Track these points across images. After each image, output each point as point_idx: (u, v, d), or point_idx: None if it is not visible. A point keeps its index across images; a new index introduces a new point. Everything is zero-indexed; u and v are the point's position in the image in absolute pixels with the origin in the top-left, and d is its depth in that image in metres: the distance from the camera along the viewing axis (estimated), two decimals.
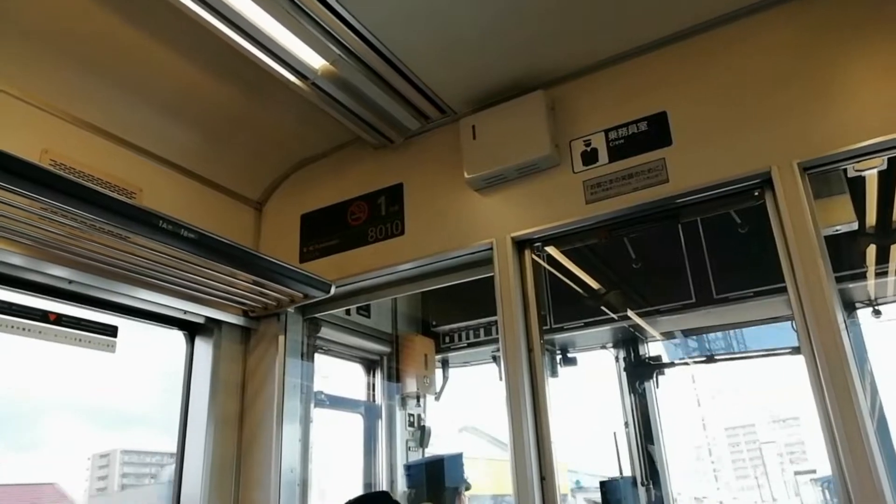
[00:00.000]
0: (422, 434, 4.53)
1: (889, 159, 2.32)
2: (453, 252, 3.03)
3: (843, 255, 3.46)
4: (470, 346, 4.82)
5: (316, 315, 3.65)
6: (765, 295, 3.74)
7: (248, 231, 3.67)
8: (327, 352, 4.02)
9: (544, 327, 2.84)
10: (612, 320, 4.44)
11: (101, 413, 3.27)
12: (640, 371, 4.79)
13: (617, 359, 4.89)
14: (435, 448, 4.55)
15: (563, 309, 4.38)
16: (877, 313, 3.83)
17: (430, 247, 3.09)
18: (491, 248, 2.91)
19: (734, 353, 4.60)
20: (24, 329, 2.58)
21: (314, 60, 2.67)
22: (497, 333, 2.92)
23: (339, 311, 3.91)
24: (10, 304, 2.55)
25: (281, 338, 3.40)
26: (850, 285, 3.73)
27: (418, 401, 4.58)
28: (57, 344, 2.70)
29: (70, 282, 2.66)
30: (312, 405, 3.64)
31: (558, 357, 4.79)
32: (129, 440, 3.50)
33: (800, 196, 2.29)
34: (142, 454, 3.50)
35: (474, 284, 3.14)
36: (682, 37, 2.72)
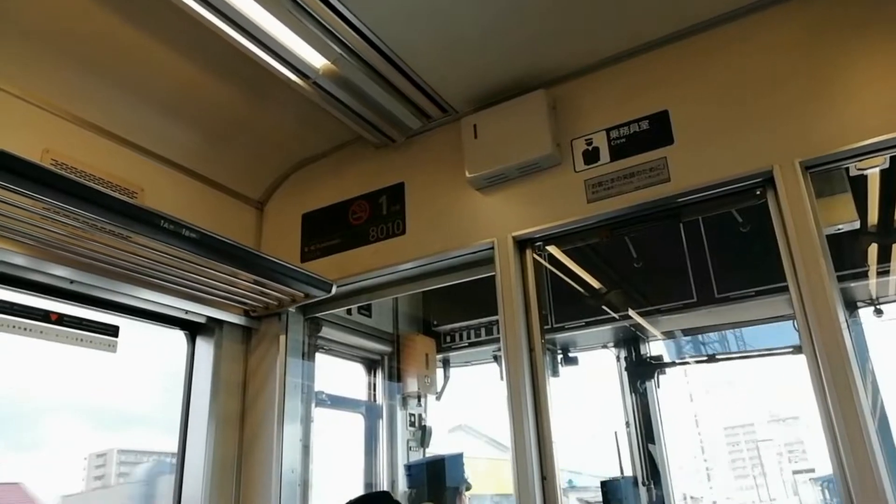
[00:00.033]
0: (423, 434, 4.53)
1: (891, 158, 2.32)
2: (454, 251, 3.03)
3: (845, 254, 3.46)
4: (471, 345, 4.81)
5: (317, 315, 3.65)
6: (766, 294, 3.74)
7: (250, 231, 3.67)
8: (328, 351, 4.02)
9: (545, 327, 2.84)
10: (613, 320, 4.44)
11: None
12: (641, 370, 4.78)
13: (618, 358, 4.89)
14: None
15: (564, 308, 4.38)
16: (878, 312, 3.83)
17: (432, 246, 3.08)
18: (492, 248, 2.90)
19: (735, 352, 4.60)
20: (25, 329, 2.58)
21: (315, 59, 2.67)
22: (498, 333, 2.92)
23: (341, 311, 3.91)
24: (12, 304, 2.55)
25: (282, 337, 3.40)
26: (852, 284, 3.73)
27: (419, 400, 4.58)
28: (58, 344, 2.71)
29: (71, 282, 2.66)
30: (313, 405, 3.64)
31: (559, 356, 4.79)
32: (127, 440, 3.47)
33: (801, 195, 2.28)
34: (139, 454, 3.49)
35: (475, 284, 3.14)
36: (684, 35, 2.72)
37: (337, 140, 3.53)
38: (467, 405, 5.12)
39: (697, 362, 4.74)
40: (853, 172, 2.45)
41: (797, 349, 2.32)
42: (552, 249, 3.02)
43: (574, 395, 4.71)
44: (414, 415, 4.52)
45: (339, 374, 4.23)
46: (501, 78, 2.97)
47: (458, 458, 4.18)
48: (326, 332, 3.83)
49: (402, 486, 4.21)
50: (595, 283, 4.20)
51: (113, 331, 2.88)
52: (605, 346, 4.93)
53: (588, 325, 4.45)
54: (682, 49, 2.73)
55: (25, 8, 2.46)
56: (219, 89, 3.06)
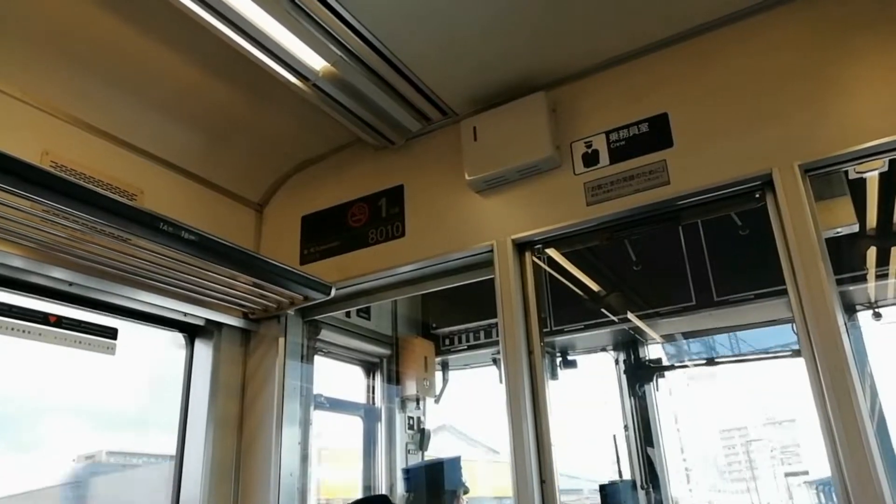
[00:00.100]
0: (421, 437, 4.52)
1: (890, 161, 2.32)
2: (454, 254, 3.03)
3: (844, 258, 3.47)
4: (470, 348, 4.82)
5: (316, 317, 3.65)
6: (765, 297, 3.74)
7: (249, 233, 3.67)
8: (327, 354, 4.02)
9: (544, 330, 2.84)
10: (612, 323, 4.44)
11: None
12: (639, 374, 4.79)
13: (617, 361, 4.89)
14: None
15: (563, 311, 4.38)
16: (877, 316, 3.84)
17: (431, 249, 3.08)
18: (491, 251, 2.90)
19: (734, 355, 4.60)
20: (24, 331, 2.58)
21: (315, 62, 2.67)
22: (497, 336, 2.92)
23: (340, 314, 3.92)
24: (11, 307, 2.55)
25: (281, 340, 3.39)
26: (851, 288, 3.74)
27: (418, 403, 4.58)
28: (57, 346, 2.70)
29: (70, 284, 2.66)
30: (312, 408, 3.64)
31: (558, 360, 4.79)
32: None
33: (801, 198, 2.28)
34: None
35: (474, 287, 3.14)
36: (683, 38, 2.72)
37: (336, 142, 3.53)
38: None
39: (696, 365, 4.74)
40: (852, 175, 2.46)
41: (796, 352, 2.31)
42: (551, 252, 3.02)
43: (573, 399, 4.71)
44: (412, 418, 4.52)
45: (337, 376, 4.23)
46: (501, 80, 2.97)
47: (455, 462, 4.18)
48: (325, 334, 3.83)
49: (400, 489, 4.21)
50: (594, 286, 4.20)
51: (112, 333, 2.87)
52: (603, 350, 4.94)
53: (587, 328, 4.46)
54: (681, 52, 2.73)
55: (26, 10, 2.46)
56: (218, 91, 3.06)
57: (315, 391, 3.73)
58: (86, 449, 3.22)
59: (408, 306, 4.79)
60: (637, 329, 4.58)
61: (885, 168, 2.36)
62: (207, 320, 3.27)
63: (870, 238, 3.41)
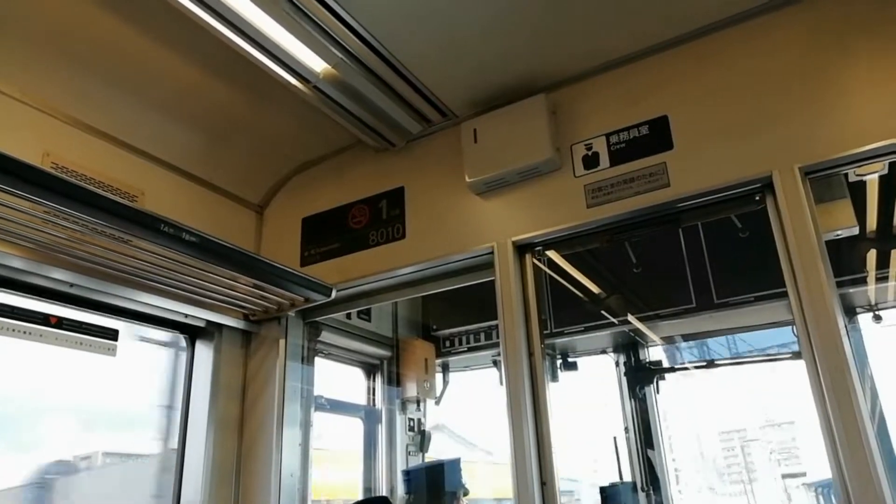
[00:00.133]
0: (422, 438, 4.52)
1: (890, 164, 2.32)
2: (454, 256, 3.03)
3: (844, 260, 3.47)
4: (470, 350, 4.81)
5: (316, 319, 3.65)
6: (765, 300, 3.74)
7: (250, 234, 3.68)
8: (328, 356, 4.02)
9: (545, 332, 2.84)
10: (612, 325, 4.44)
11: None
12: (640, 376, 4.78)
13: (617, 363, 4.89)
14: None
15: (563, 313, 4.38)
16: (877, 318, 3.83)
17: (431, 251, 3.09)
18: (492, 253, 2.91)
19: (734, 357, 4.60)
20: (25, 332, 2.58)
21: (316, 63, 2.67)
22: (497, 338, 2.92)
23: (340, 315, 3.92)
24: (12, 308, 2.55)
25: (282, 341, 3.39)
26: (851, 290, 3.74)
27: (418, 405, 4.58)
28: (57, 347, 2.71)
29: (71, 285, 2.66)
30: (313, 409, 3.64)
31: (559, 361, 4.79)
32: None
33: (801, 200, 2.29)
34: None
35: (475, 289, 3.14)
36: (684, 40, 2.72)
37: (337, 144, 3.54)
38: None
39: (696, 367, 4.74)
40: (852, 178, 2.46)
41: (796, 354, 2.32)
42: (552, 254, 3.02)
43: (573, 401, 4.71)
44: (413, 419, 4.52)
45: (338, 378, 4.23)
46: (501, 82, 2.98)
47: (455, 463, 4.18)
48: (326, 336, 3.83)
49: (400, 491, 4.21)
50: (594, 288, 4.20)
51: (112, 334, 2.88)
52: (604, 352, 4.94)
53: (587, 330, 4.46)
54: (681, 54, 2.74)
55: (26, 10, 2.47)
56: (219, 92, 3.07)
57: (316, 393, 3.73)
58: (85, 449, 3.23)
59: (408, 308, 4.79)
60: (637, 331, 4.58)
61: (885, 171, 2.37)
62: (208, 322, 3.27)
63: (870, 241, 3.41)
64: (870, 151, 2.25)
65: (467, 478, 4.20)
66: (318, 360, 3.79)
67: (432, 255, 3.08)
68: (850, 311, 3.85)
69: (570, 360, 4.84)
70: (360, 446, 4.30)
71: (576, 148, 2.85)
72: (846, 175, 2.44)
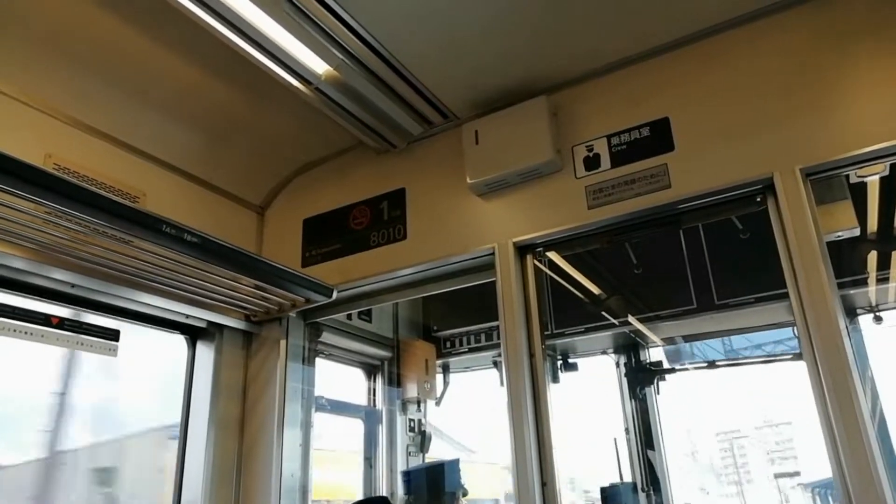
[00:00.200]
0: (422, 439, 4.52)
1: (891, 165, 2.33)
2: (455, 257, 3.03)
3: (845, 262, 3.47)
4: (471, 351, 4.82)
5: (317, 320, 3.65)
6: (766, 301, 3.75)
7: (251, 235, 3.68)
8: (329, 356, 4.03)
9: (545, 332, 2.84)
10: (612, 326, 4.44)
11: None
12: (640, 377, 4.79)
13: (618, 364, 4.89)
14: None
15: (564, 314, 4.38)
16: (878, 319, 3.84)
17: (432, 252, 3.09)
18: (493, 254, 2.91)
19: (734, 358, 4.60)
20: (26, 333, 2.58)
21: (318, 65, 2.68)
22: (498, 338, 2.92)
23: (341, 316, 3.92)
24: (13, 308, 2.55)
25: (282, 342, 3.40)
26: (852, 291, 3.74)
27: (419, 406, 4.58)
28: (58, 347, 2.71)
29: (73, 286, 2.67)
30: (313, 410, 3.64)
31: (559, 362, 4.79)
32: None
33: (802, 202, 2.29)
34: None
35: (476, 290, 3.15)
36: (685, 42, 2.73)
37: (338, 145, 3.54)
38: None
39: (697, 368, 4.74)
40: (853, 179, 2.46)
41: (797, 355, 2.32)
42: (552, 255, 3.03)
43: (574, 401, 4.71)
44: (413, 420, 4.52)
45: (339, 379, 4.23)
46: (502, 84, 2.98)
47: (454, 464, 4.18)
48: (327, 336, 3.83)
49: (400, 492, 4.21)
50: (595, 290, 4.21)
51: (113, 335, 2.88)
52: (604, 352, 4.94)
53: (588, 331, 4.46)
54: (682, 56, 2.74)
55: (28, 12, 2.47)
56: (220, 94, 3.07)
57: (316, 393, 3.73)
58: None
59: (409, 309, 4.79)
60: (638, 332, 4.58)
61: (886, 172, 2.37)
62: (209, 322, 3.27)
63: (871, 242, 3.42)
64: (871, 153, 2.25)
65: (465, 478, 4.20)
66: (318, 361, 3.80)
67: (433, 256, 3.08)
68: (851, 312, 3.85)
69: (570, 360, 4.84)
70: (360, 447, 4.30)
71: (577, 149, 2.86)
72: (847, 176, 2.44)
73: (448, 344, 4.90)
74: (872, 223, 3.26)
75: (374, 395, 4.44)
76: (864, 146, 2.25)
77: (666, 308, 4.25)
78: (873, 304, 3.85)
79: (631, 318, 4.38)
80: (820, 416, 2.13)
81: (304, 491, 3.36)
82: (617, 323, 4.42)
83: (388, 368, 4.50)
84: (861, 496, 1.98)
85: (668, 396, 4.77)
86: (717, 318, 4.04)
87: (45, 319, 2.65)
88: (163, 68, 2.85)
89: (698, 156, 2.56)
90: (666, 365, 4.78)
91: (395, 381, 4.51)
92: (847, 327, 2.18)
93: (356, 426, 4.33)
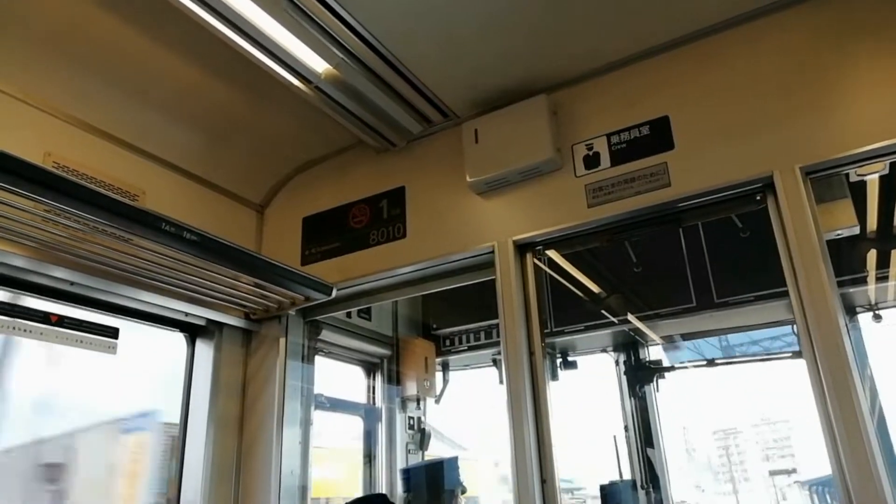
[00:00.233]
0: (422, 437, 4.53)
1: (891, 164, 2.33)
2: (455, 255, 3.03)
3: (844, 260, 3.47)
4: (470, 349, 4.82)
5: (317, 318, 3.66)
6: (766, 299, 3.75)
7: (250, 234, 3.68)
8: (328, 354, 4.03)
9: (545, 331, 2.84)
10: (612, 324, 4.45)
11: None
12: (640, 375, 4.79)
13: (617, 362, 4.90)
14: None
15: (563, 312, 4.39)
16: (877, 318, 3.84)
17: (432, 250, 3.09)
18: (492, 252, 2.91)
19: (733, 356, 4.61)
20: (25, 330, 2.58)
21: (317, 64, 2.67)
22: (497, 337, 2.92)
23: (340, 314, 3.92)
24: (12, 306, 2.55)
25: (282, 340, 3.40)
26: (851, 290, 3.74)
27: (418, 404, 4.58)
28: (58, 345, 2.71)
29: (72, 283, 2.66)
30: (313, 408, 3.64)
31: (559, 360, 4.80)
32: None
33: (802, 200, 2.29)
34: None
35: (475, 288, 3.15)
36: (685, 41, 2.73)
37: (338, 144, 3.54)
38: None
39: (696, 366, 4.75)
40: (853, 178, 2.46)
41: (796, 354, 2.32)
42: (552, 254, 3.03)
43: (573, 399, 4.72)
44: (413, 418, 4.52)
45: (338, 376, 4.23)
46: (501, 83, 2.98)
47: (453, 462, 4.19)
48: (326, 335, 3.83)
49: (399, 489, 4.21)
50: (595, 288, 4.21)
51: (113, 333, 2.88)
52: (604, 351, 4.95)
53: (587, 329, 4.46)
54: (682, 55, 2.74)
55: (26, 10, 2.47)
56: (220, 93, 3.07)
57: (316, 391, 3.74)
58: None
59: (408, 307, 4.80)
60: (637, 330, 4.59)
61: (886, 171, 2.37)
62: (208, 320, 3.27)
63: (870, 241, 3.42)
64: (870, 151, 2.25)
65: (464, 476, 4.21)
66: (318, 359, 3.80)
67: (433, 255, 3.08)
68: (851, 311, 3.86)
69: (570, 359, 4.84)
70: (360, 445, 4.31)
71: (577, 148, 2.86)
72: (847, 175, 2.44)
73: (447, 342, 4.91)
74: (872, 222, 3.27)
75: (374, 392, 4.45)
76: (864, 145, 2.24)
77: (665, 306, 4.25)
78: (872, 302, 3.86)
79: (630, 317, 4.39)
80: (820, 413, 2.14)
81: (303, 489, 3.36)
82: (616, 321, 4.43)
83: (387, 366, 4.51)
84: (861, 493, 1.99)
85: (668, 394, 4.79)
86: (716, 316, 4.05)
87: (44, 317, 2.65)
88: (162, 67, 2.85)
89: (698, 154, 2.56)
90: (666, 363, 4.79)
91: (394, 378, 4.51)
92: (847, 325, 2.18)
93: (356, 424, 4.34)
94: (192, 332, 3.34)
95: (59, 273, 2.60)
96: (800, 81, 2.44)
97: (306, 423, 3.51)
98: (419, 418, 4.56)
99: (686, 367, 4.80)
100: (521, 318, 2.78)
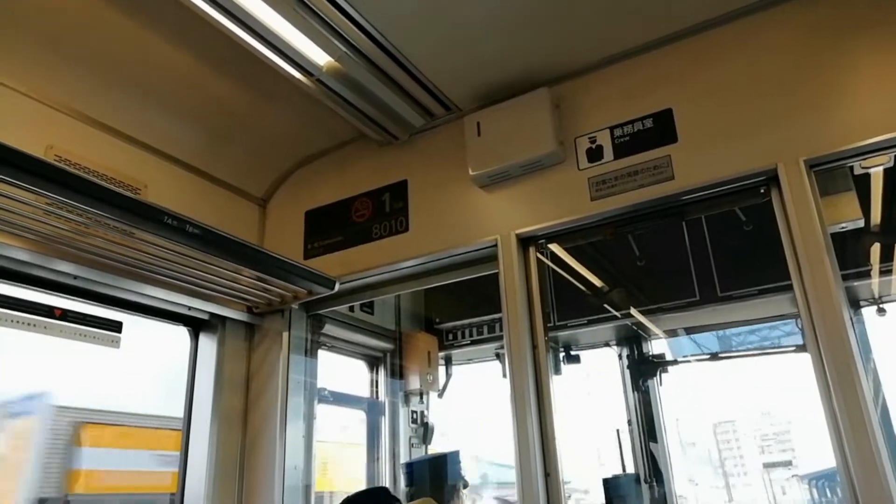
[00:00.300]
0: (425, 431, 4.53)
1: (895, 156, 2.32)
2: (457, 249, 3.03)
3: (849, 254, 3.46)
4: (473, 343, 4.82)
5: (320, 311, 3.65)
6: (770, 293, 3.74)
7: (253, 227, 3.67)
8: (331, 348, 4.03)
9: (548, 324, 2.84)
10: (615, 318, 4.44)
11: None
12: (643, 369, 4.79)
13: (620, 356, 4.90)
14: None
15: (566, 306, 4.38)
16: (881, 311, 3.83)
17: (435, 244, 3.08)
18: (495, 245, 2.90)
19: (737, 350, 4.60)
20: (29, 324, 2.58)
21: (319, 57, 2.67)
22: (500, 331, 2.92)
23: (343, 308, 3.92)
24: (16, 300, 2.55)
25: (285, 334, 3.40)
26: (855, 283, 3.73)
27: (421, 398, 4.58)
28: (61, 339, 2.71)
29: (75, 277, 2.66)
30: (316, 402, 3.65)
31: (561, 354, 4.80)
32: None
33: (806, 193, 2.28)
34: None
35: (478, 282, 3.14)
36: (688, 34, 2.71)
37: (340, 137, 3.53)
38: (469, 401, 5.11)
39: (699, 360, 4.75)
40: (857, 171, 2.45)
41: (801, 347, 2.32)
42: (555, 247, 3.02)
43: (576, 393, 4.72)
44: (416, 412, 4.52)
45: (341, 370, 4.24)
46: (505, 76, 2.97)
47: (455, 456, 4.19)
48: (329, 329, 3.83)
49: (402, 484, 4.22)
50: (597, 282, 4.21)
51: (116, 326, 2.88)
52: (607, 345, 4.94)
53: (590, 323, 4.46)
54: (686, 47, 2.72)
55: (30, 5, 2.47)
56: (222, 86, 3.06)
57: (319, 385, 3.74)
58: None
59: (411, 301, 4.79)
60: (640, 324, 4.58)
61: (891, 164, 2.36)
62: (211, 314, 3.27)
63: (874, 234, 3.41)
64: (875, 144, 2.24)
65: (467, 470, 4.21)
66: (321, 353, 3.80)
67: (435, 248, 3.08)
68: (855, 304, 3.85)
69: (573, 352, 4.84)
70: (363, 439, 4.31)
71: (579, 141, 2.85)
72: (851, 168, 2.43)
73: (450, 336, 4.91)
74: (876, 214, 3.25)
75: (377, 386, 4.45)
76: (869, 137, 2.23)
77: (669, 300, 4.25)
78: (876, 295, 3.85)
79: (633, 311, 4.38)
80: (824, 407, 2.13)
81: (307, 482, 3.37)
82: (619, 315, 4.42)
83: (390, 360, 4.51)
84: (865, 486, 1.99)
85: (670, 388, 4.79)
86: (719, 310, 4.04)
87: (48, 311, 2.65)
88: (164, 60, 2.84)
89: (702, 147, 2.55)
90: (669, 357, 4.79)
91: (397, 372, 4.51)
92: (851, 319, 2.17)
93: (359, 418, 4.34)
94: (196, 326, 3.34)
95: (63, 267, 2.60)
96: (804, 74, 2.42)
97: (309, 417, 3.52)
98: (422, 412, 4.57)
99: (689, 361, 4.79)
100: (524, 312, 2.78)
